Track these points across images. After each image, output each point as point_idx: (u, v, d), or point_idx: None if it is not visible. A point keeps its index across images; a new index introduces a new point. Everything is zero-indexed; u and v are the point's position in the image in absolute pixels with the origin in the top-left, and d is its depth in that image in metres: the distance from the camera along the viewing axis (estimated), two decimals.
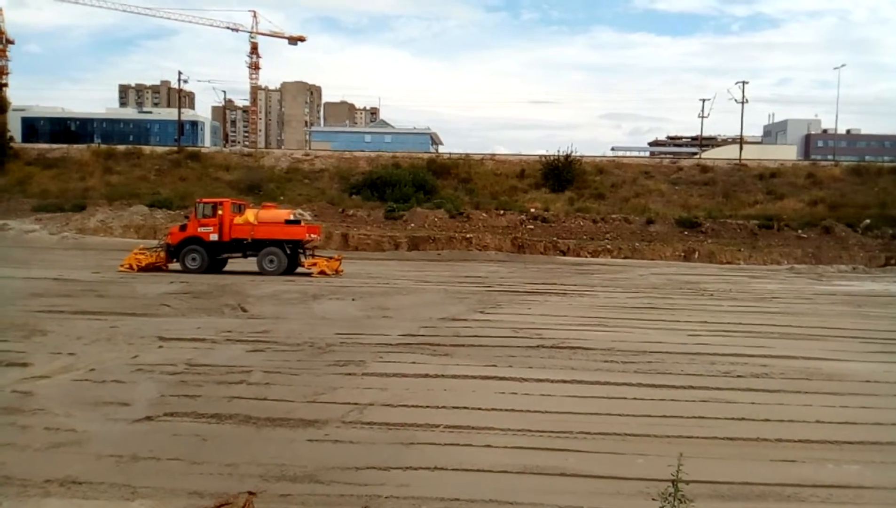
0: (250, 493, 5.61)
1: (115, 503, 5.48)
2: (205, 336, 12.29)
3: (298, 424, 7.44)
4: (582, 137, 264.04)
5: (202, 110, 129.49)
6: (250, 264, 24.86)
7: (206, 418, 7.60)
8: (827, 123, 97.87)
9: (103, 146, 57.76)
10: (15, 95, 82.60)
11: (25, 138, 74.60)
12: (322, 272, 24.36)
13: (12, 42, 77.85)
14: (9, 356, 10.26)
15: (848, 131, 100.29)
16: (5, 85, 68.30)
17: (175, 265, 24.65)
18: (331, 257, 25.98)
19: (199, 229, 24.67)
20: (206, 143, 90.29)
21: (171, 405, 8.04)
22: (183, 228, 25.26)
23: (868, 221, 40.80)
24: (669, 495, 4.41)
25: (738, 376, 10.10)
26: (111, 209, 42.58)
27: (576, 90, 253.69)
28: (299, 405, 8.13)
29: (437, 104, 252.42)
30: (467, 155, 54.99)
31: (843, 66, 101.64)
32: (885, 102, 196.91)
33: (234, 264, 25.52)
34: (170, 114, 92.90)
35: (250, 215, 25.24)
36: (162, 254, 24.93)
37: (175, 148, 58.45)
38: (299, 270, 25.08)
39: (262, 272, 24.22)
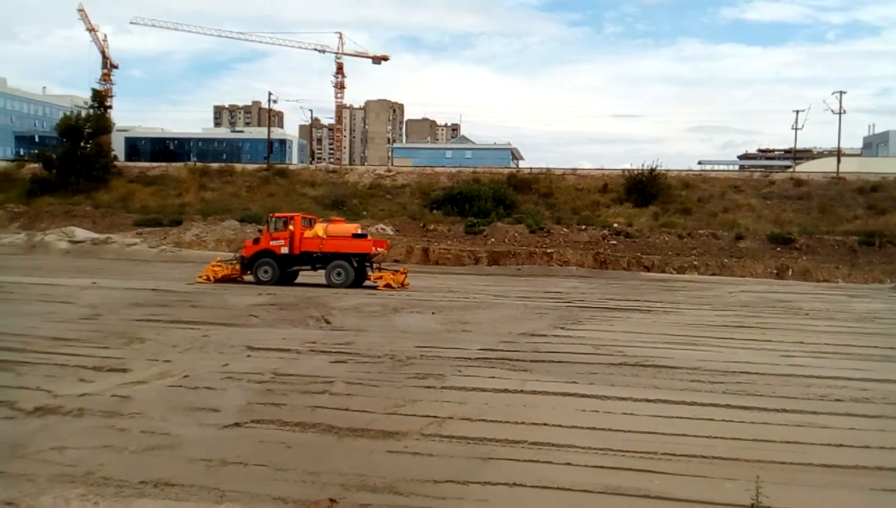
0: (331, 500, 5.72)
1: (204, 505, 5.68)
2: (290, 347, 12.63)
3: (378, 435, 7.53)
4: (667, 150, 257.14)
5: (290, 129, 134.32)
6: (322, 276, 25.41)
7: (290, 426, 7.79)
8: None
9: (199, 164, 60.66)
10: (119, 117, 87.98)
11: (128, 157, 79.29)
12: (388, 286, 24.61)
13: (116, 67, 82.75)
14: (110, 363, 10.85)
15: None
16: (110, 107, 72.57)
17: (249, 277, 25.50)
18: (396, 271, 26.24)
19: (271, 243, 25.46)
20: (294, 160, 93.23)
21: (258, 413, 8.29)
22: (256, 241, 26.14)
23: None
24: None
25: (836, 399, 9.55)
26: (205, 224, 44.58)
27: (661, 103, 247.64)
28: (380, 416, 8.22)
29: (518, 120, 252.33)
30: (548, 170, 54.67)
31: None
32: None
33: (312, 277, 26.12)
34: (260, 133, 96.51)
35: (319, 228, 25.82)
36: (237, 266, 25.84)
37: (265, 165, 60.73)
38: (366, 283, 25.48)
39: (329, 285, 24.70)
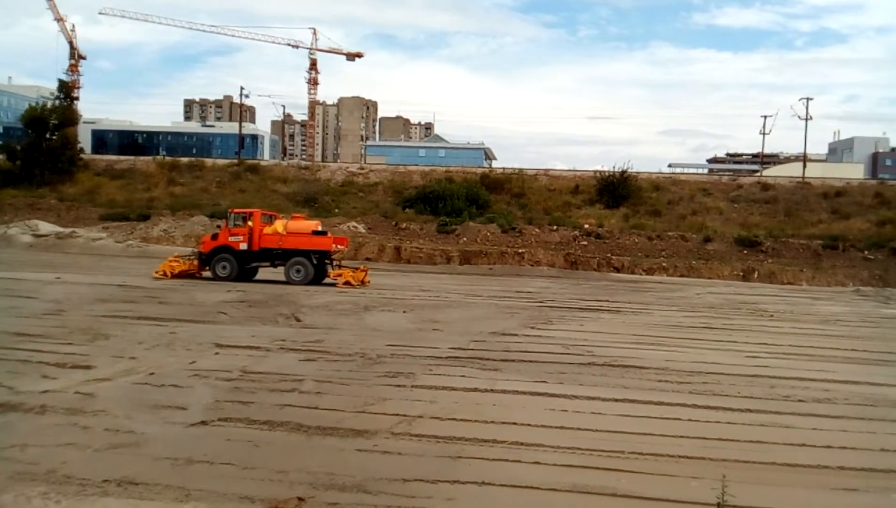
0: (299, 499, 5.68)
1: (169, 504, 5.60)
2: (259, 344, 12.52)
3: (348, 433, 7.49)
4: (640, 153, 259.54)
5: (262, 125, 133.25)
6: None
7: (258, 424, 7.72)
8: None
9: (168, 158, 59.83)
10: (86, 109, 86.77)
11: (95, 150, 77.80)
12: (347, 283, 24.52)
13: (84, 58, 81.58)
14: (73, 359, 10.65)
15: None
16: (77, 99, 71.31)
17: (207, 273, 25.23)
18: (356, 268, 26.17)
19: (229, 239, 25.17)
20: (266, 156, 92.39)
21: (226, 411, 8.20)
22: (215, 237, 25.82)
23: None
24: None
25: (799, 400, 9.74)
26: (174, 219, 43.94)
27: (635, 106, 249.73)
28: (349, 414, 8.19)
29: (492, 120, 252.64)
30: (521, 170, 54.94)
31: None
32: None
33: (276, 273, 25.91)
34: (231, 128, 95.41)
35: (279, 225, 25.65)
36: (195, 261, 25.52)
37: (235, 161, 60.09)
38: (326, 280, 25.38)
39: (288, 282, 24.55)
